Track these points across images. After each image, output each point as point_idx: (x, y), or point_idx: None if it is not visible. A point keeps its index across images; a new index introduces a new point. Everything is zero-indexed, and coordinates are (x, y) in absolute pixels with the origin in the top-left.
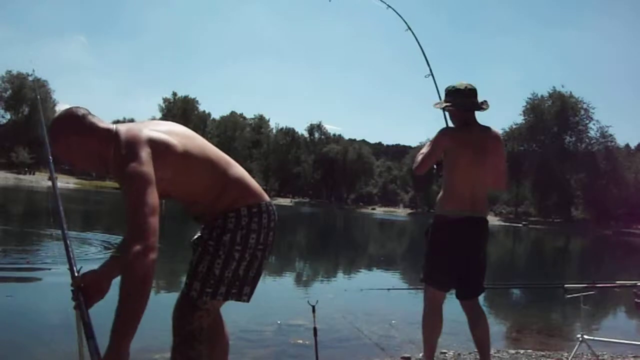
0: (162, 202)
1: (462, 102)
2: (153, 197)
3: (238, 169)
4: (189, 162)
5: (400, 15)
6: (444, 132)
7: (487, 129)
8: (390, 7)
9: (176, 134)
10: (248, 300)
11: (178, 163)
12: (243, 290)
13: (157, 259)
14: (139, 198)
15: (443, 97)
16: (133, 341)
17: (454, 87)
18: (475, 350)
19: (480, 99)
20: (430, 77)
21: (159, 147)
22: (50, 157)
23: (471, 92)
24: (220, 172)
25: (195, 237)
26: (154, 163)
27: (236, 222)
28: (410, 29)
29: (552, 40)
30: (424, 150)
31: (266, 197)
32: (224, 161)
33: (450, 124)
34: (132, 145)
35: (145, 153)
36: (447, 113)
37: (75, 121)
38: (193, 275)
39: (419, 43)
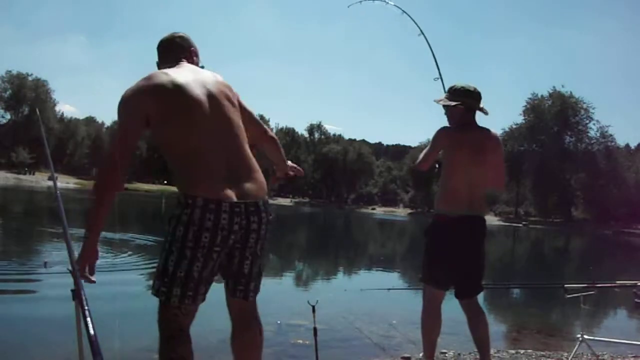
0: (163, 200)
1: (470, 103)
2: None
3: (218, 147)
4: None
5: (414, 21)
6: (442, 131)
7: (486, 129)
8: (405, 12)
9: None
10: (203, 300)
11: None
12: (199, 290)
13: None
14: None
15: (446, 96)
16: (133, 341)
17: (464, 87)
18: (475, 350)
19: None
20: (439, 80)
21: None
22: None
23: (479, 95)
24: (188, 141)
25: None
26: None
27: (191, 214)
28: (423, 33)
29: (552, 40)
30: (425, 149)
31: (239, 196)
32: (200, 132)
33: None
34: None
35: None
36: (448, 111)
37: None
38: (155, 272)
39: (430, 48)
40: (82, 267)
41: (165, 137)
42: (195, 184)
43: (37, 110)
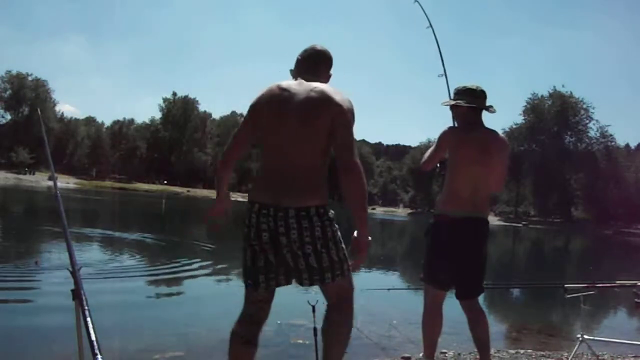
0: (163, 200)
1: (471, 101)
2: None
3: (280, 161)
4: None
5: (424, 12)
6: (448, 130)
7: (494, 131)
8: (417, 1)
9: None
10: (266, 288)
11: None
12: (258, 279)
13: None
14: None
15: (452, 96)
16: (132, 341)
17: (466, 87)
18: (475, 350)
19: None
20: (444, 76)
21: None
22: (50, 158)
23: (482, 93)
24: (265, 156)
25: None
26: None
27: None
28: (431, 26)
29: (552, 40)
30: (430, 149)
31: (273, 200)
32: (277, 150)
33: (455, 124)
34: None
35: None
36: (453, 112)
37: None
38: None
39: (437, 41)
40: (210, 211)
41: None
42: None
43: (38, 110)
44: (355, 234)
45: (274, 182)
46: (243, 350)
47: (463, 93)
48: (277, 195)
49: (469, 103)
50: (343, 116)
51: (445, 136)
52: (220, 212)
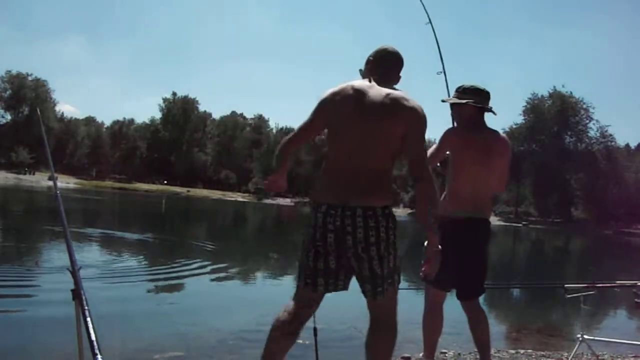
0: (163, 200)
1: (481, 102)
2: None
3: (350, 162)
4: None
5: (424, 7)
6: (452, 131)
7: (496, 132)
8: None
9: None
10: (324, 291)
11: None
12: (317, 281)
13: None
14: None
15: (455, 94)
16: (132, 341)
17: (475, 86)
18: (476, 350)
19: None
20: (443, 74)
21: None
22: (50, 158)
23: (489, 95)
24: (331, 155)
25: None
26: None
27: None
28: (430, 22)
29: (552, 40)
30: (432, 148)
31: (341, 199)
32: (347, 151)
33: (455, 122)
34: None
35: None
36: (456, 110)
37: None
38: None
39: (436, 38)
40: (272, 185)
41: None
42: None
43: (37, 110)
44: (426, 243)
45: (342, 182)
46: (285, 342)
47: (471, 92)
48: (345, 194)
49: (478, 103)
50: (416, 124)
51: (448, 137)
52: (280, 187)
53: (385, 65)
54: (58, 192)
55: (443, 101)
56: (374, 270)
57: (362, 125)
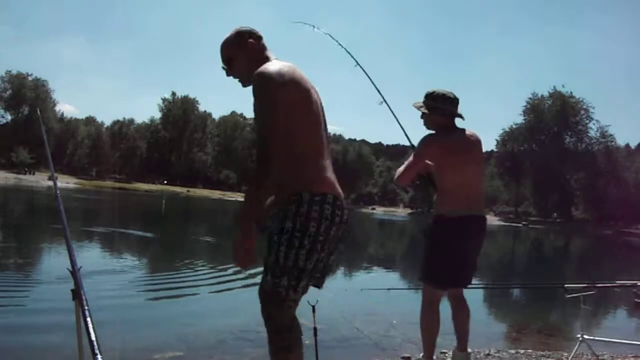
0: (163, 200)
1: (451, 110)
2: None
3: (322, 150)
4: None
5: (349, 52)
6: (429, 139)
7: (464, 130)
8: (340, 44)
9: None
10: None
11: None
12: (299, 283)
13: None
14: None
15: (424, 101)
16: (132, 341)
17: (444, 94)
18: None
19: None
20: (384, 103)
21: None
22: (50, 158)
23: (458, 101)
24: (302, 141)
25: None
26: None
27: (297, 207)
28: (358, 64)
29: (552, 39)
30: (409, 159)
31: (338, 190)
32: (313, 135)
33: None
34: None
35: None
36: (427, 117)
37: None
38: (264, 267)
39: (369, 78)
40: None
41: None
42: None
43: (37, 110)
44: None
45: (330, 173)
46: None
47: (442, 100)
48: (336, 185)
49: (449, 111)
50: None
51: (428, 145)
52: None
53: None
54: (58, 192)
55: (419, 109)
56: (328, 263)
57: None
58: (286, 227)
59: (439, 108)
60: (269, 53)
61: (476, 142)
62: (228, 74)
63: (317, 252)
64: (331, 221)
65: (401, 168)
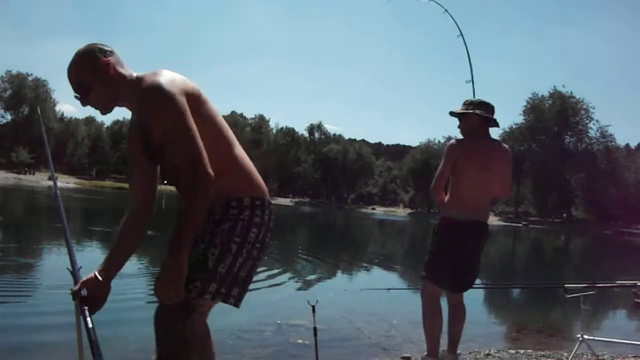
0: (162, 200)
1: (486, 113)
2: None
3: (244, 153)
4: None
5: (455, 21)
6: (453, 143)
7: (497, 141)
8: (447, 11)
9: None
10: (236, 305)
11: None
12: (231, 291)
13: None
14: None
15: (461, 107)
16: (132, 341)
17: (480, 100)
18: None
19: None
20: (471, 83)
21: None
22: (50, 158)
23: (493, 108)
24: (228, 146)
25: None
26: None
27: (238, 211)
28: (462, 34)
29: (552, 39)
30: (440, 166)
31: (267, 193)
32: (231, 138)
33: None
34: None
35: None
36: (464, 121)
37: None
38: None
39: (467, 50)
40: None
41: None
42: None
43: (38, 109)
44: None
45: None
46: None
47: (478, 105)
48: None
49: (482, 114)
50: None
51: (452, 149)
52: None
53: None
54: (58, 192)
55: (451, 113)
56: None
57: None
58: (222, 229)
59: (480, 111)
60: (128, 68)
61: (502, 154)
62: (84, 104)
63: (252, 259)
64: (268, 227)
65: (436, 175)
